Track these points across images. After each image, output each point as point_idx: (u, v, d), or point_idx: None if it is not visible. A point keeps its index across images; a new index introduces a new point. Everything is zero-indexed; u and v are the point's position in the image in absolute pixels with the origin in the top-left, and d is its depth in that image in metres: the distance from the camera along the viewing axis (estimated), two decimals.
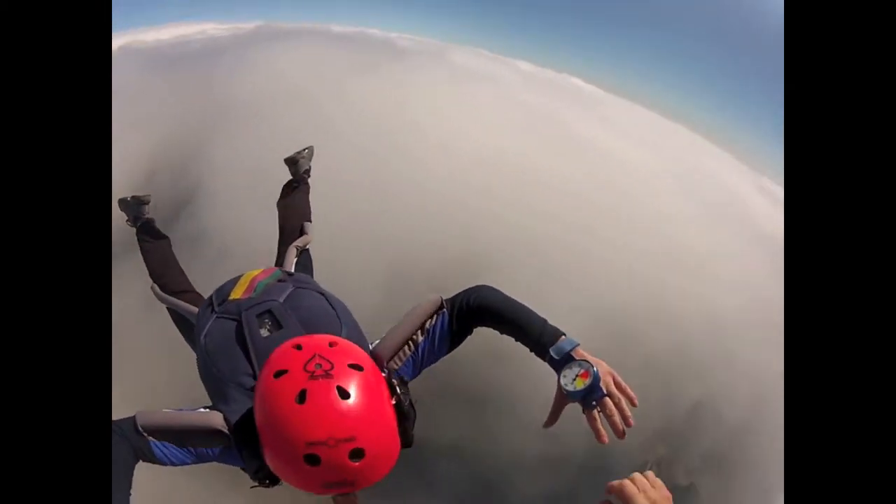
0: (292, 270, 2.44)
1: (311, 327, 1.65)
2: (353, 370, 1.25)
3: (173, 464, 1.51)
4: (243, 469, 1.58)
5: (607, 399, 1.35)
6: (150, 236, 2.97)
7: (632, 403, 1.38)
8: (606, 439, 1.30)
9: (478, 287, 1.69)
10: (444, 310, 1.65)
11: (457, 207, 20.85)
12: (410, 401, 1.39)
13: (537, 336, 1.50)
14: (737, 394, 19.57)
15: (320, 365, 1.21)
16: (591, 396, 1.36)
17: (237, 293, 1.91)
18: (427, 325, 1.64)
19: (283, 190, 3.08)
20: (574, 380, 1.37)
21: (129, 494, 1.42)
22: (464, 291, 1.68)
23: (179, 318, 2.54)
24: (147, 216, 3.06)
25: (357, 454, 1.18)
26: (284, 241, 2.77)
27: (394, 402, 1.34)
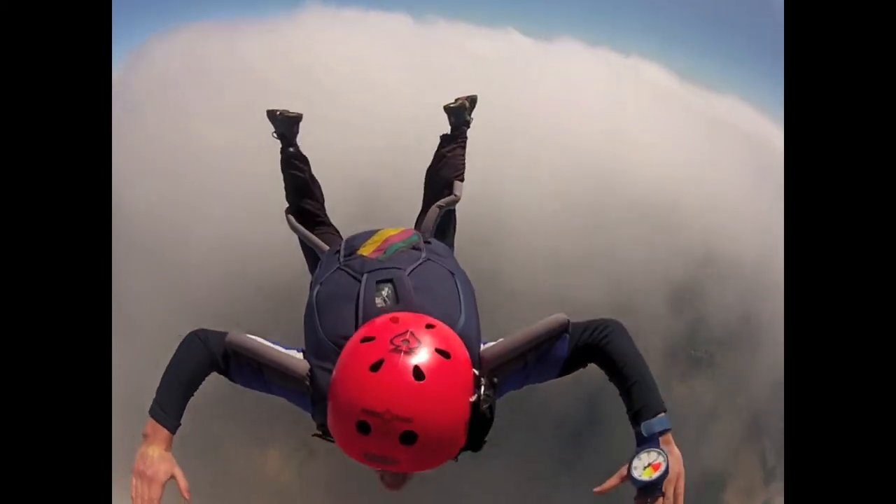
0: (432, 235, 2.29)
1: (428, 308, 1.49)
2: (438, 355, 1.22)
3: (242, 384, 1.60)
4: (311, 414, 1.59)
5: (661, 500, 1.35)
6: (295, 161, 2.80)
7: None
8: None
9: (608, 325, 1.58)
10: (567, 335, 1.57)
11: None
12: (491, 406, 1.30)
13: (639, 405, 1.45)
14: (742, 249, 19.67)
15: (407, 342, 1.20)
16: (650, 490, 1.37)
17: (367, 249, 1.81)
18: (545, 344, 1.55)
19: (441, 140, 2.83)
20: (645, 468, 1.36)
21: (187, 397, 1.56)
22: (593, 323, 1.59)
23: (308, 251, 2.52)
24: (294, 143, 2.88)
25: (409, 437, 1.14)
26: (428, 198, 2.62)
27: (472, 399, 1.25)
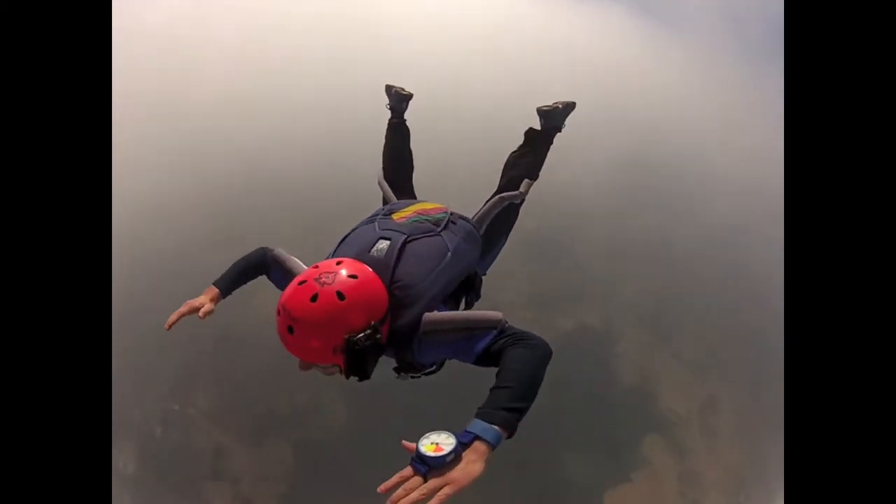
0: (488, 222, 2.57)
1: (401, 267, 1.85)
2: (334, 296, 1.60)
3: (275, 284, 2.19)
4: None
5: (418, 479, 1.30)
6: (398, 132, 3.13)
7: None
8: (383, 489, 1.28)
9: (530, 340, 1.67)
10: (493, 332, 1.70)
11: None
12: (363, 349, 1.59)
13: (490, 406, 1.45)
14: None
15: (327, 277, 1.63)
16: (416, 465, 1.33)
17: (399, 214, 2.17)
18: (475, 332, 1.71)
19: (527, 135, 2.94)
20: (431, 444, 1.34)
21: (239, 280, 2.33)
22: (521, 333, 1.70)
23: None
24: (402, 117, 3.19)
25: (290, 329, 1.59)
26: (501, 185, 2.79)
27: (347, 335, 1.58)
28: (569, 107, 3.01)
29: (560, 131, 3.01)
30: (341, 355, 1.60)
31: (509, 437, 1.41)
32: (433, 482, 1.28)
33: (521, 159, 2.82)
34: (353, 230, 2.14)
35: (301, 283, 1.63)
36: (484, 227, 2.54)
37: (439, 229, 2.08)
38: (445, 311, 1.90)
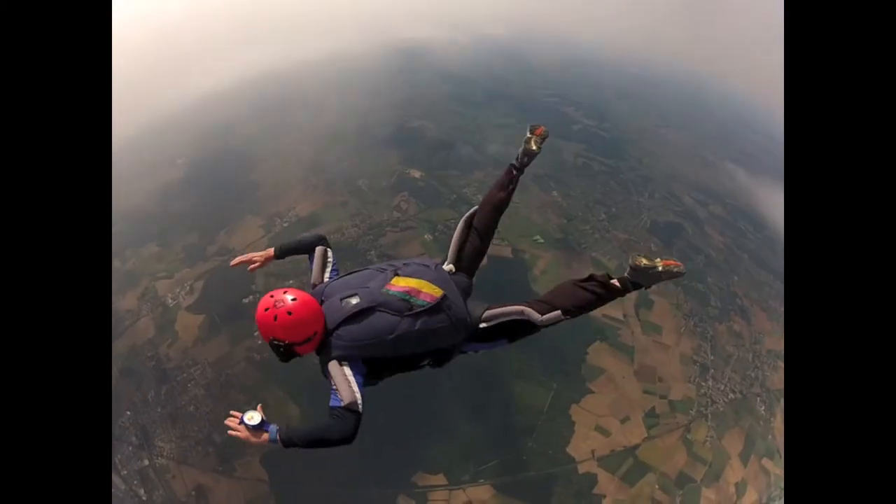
0: (493, 309, 2.78)
1: (348, 324, 2.44)
2: (286, 315, 2.28)
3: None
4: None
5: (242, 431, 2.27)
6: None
7: None
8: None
9: (340, 420, 2.31)
10: (338, 402, 2.31)
11: None
12: (284, 351, 2.33)
13: (290, 430, 2.33)
14: None
15: (276, 306, 2.29)
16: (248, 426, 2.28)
17: (397, 282, 2.58)
18: (332, 391, 2.32)
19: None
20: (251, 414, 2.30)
21: (296, 250, 2.84)
22: (341, 414, 2.30)
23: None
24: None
25: (276, 317, 2.26)
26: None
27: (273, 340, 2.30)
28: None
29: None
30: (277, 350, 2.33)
31: (283, 446, 2.21)
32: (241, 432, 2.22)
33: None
34: (366, 269, 2.65)
35: (266, 309, 2.26)
36: (494, 322, 2.69)
37: (406, 314, 2.45)
38: (358, 367, 2.41)
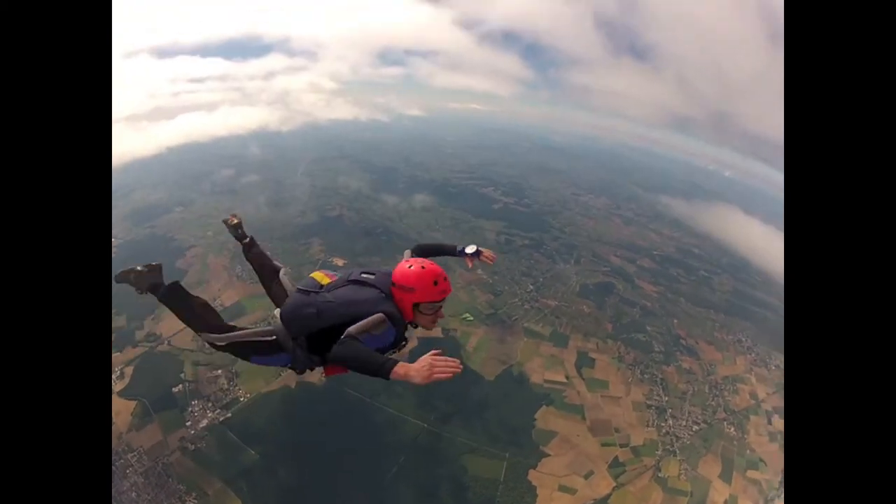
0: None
1: (376, 275, 2.93)
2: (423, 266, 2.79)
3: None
4: (380, 350, 2.57)
5: (482, 252, 3.34)
6: (177, 296, 3.24)
7: (492, 254, 3.44)
8: (491, 262, 3.41)
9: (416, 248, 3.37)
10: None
11: None
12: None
13: (452, 248, 3.47)
14: None
15: (417, 263, 2.76)
16: (478, 254, 3.33)
17: (325, 280, 3.00)
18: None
19: (245, 246, 3.76)
20: (470, 248, 3.33)
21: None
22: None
23: (242, 346, 3.02)
24: (165, 283, 3.27)
25: (445, 278, 2.73)
26: (268, 277, 3.51)
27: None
28: (239, 218, 3.83)
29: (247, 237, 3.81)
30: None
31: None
32: (482, 252, 3.46)
33: (264, 261, 3.58)
34: (336, 300, 2.79)
35: (421, 266, 2.73)
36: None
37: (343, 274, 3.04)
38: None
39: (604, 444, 24.03)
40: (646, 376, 28.15)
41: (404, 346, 2.86)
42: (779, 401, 28.39)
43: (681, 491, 22.63)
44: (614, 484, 22.37)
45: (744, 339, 33.64)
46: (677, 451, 24.27)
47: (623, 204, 61.25)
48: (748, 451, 24.73)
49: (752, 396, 28.60)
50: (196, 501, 18.14)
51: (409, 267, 2.72)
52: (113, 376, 21.76)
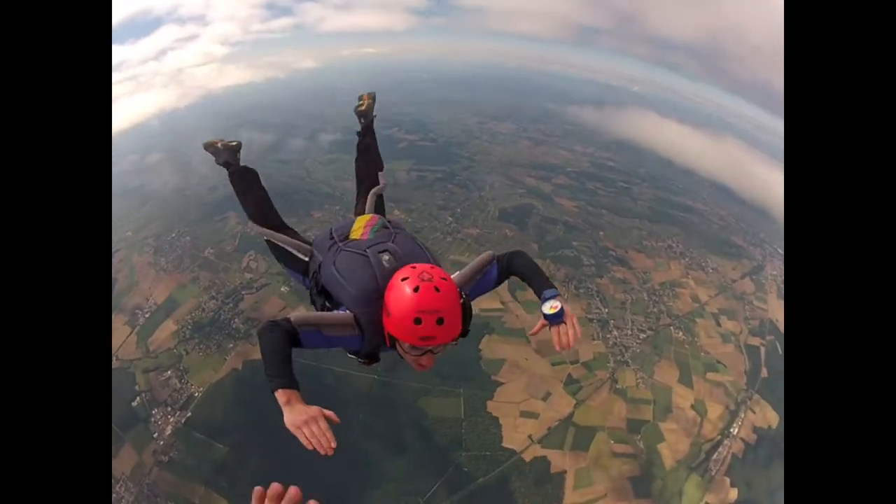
0: (374, 214, 3.02)
1: (412, 260, 2.35)
2: (444, 280, 2.08)
3: (309, 346, 2.19)
4: (350, 352, 2.41)
5: (563, 324, 2.27)
6: (247, 178, 3.25)
7: (575, 337, 2.25)
8: (559, 347, 2.26)
9: (516, 253, 2.58)
10: (494, 263, 2.53)
11: None
12: (469, 303, 2.16)
13: (538, 289, 2.40)
14: None
15: (427, 276, 2.06)
16: (555, 319, 2.29)
17: (356, 234, 2.63)
18: (483, 271, 2.50)
19: (358, 135, 3.49)
20: (550, 308, 2.28)
21: (290, 363, 2.02)
22: (508, 254, 2.57)
23: (277, 248, 2.96)
24: (238, 163, 3.33)
25: (440, 321, 2.01)
26: (362, 187, 3.26)
27: (462, 299, 2.11)
28: (372, 96, 3.58)
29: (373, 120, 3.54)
30: (462, 316, 2.13)
31: (554, 288, 2.36)
32: (568, 320, 2.28)
33: (368, 160, 3.35)
34: (333, 268, 2.44)
35: (415, 289, 2.02)
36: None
37: (392, 230, 2.65)
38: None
39: (554, 364, 24.23)
40: (581, 291, 28.22)
41: (375, 363, 2.45)
42: (724, 302, 28.51)
43: (643, 399, 22.75)
44: (574, 401, 22.56)
45: (674, 245, 33.58)
46: (629, 361, 24.50)
47: (530, 126, 60.28)
48: (703, 354, 24.96)
49: (695, 300, 28.57)
50: None
51: (403, 279, 2.04)
52: None
